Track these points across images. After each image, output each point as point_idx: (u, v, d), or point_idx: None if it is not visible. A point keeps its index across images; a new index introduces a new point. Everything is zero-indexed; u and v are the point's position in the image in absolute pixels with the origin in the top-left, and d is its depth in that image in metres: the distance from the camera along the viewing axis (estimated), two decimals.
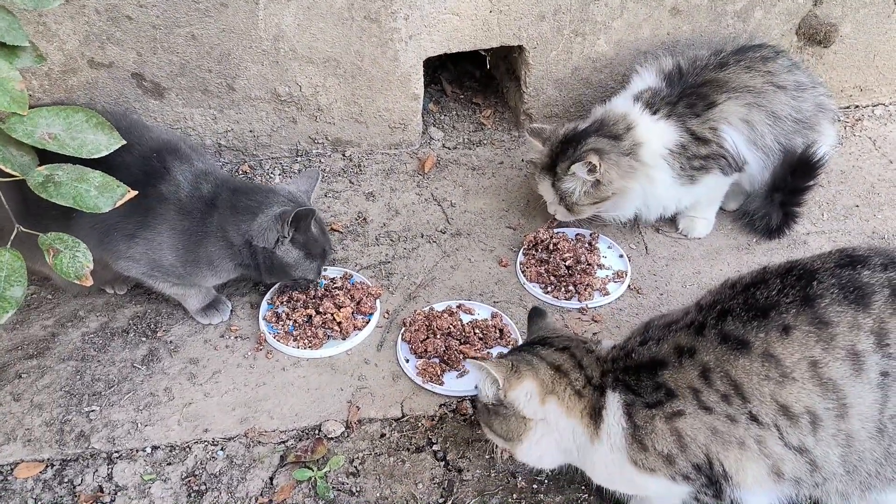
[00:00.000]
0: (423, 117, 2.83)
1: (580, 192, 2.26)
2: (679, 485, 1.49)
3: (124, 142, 1.75)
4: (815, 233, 2.47)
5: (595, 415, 1.54)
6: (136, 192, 1.72)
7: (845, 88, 2.92)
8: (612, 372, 1.56)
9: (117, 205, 1.75)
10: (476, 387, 1.67)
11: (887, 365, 1.36)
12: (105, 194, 1.75)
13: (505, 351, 2.13)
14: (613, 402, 1.52)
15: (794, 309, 1.41)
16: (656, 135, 2.24)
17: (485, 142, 2.87)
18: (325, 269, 2.32)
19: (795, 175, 2.26)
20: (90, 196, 1.73)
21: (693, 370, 1.46)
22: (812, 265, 1.48)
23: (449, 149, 2.84)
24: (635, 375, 1.52)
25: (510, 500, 1.83)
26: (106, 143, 1.78)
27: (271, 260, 2.08)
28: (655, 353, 1.52)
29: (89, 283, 1.61)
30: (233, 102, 2.60)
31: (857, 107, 2.95)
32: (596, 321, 2.24)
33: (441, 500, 1.84)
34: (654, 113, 2.25)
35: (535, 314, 1.79)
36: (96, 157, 1.77)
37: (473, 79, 3.12)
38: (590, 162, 2.18)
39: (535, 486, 1.85)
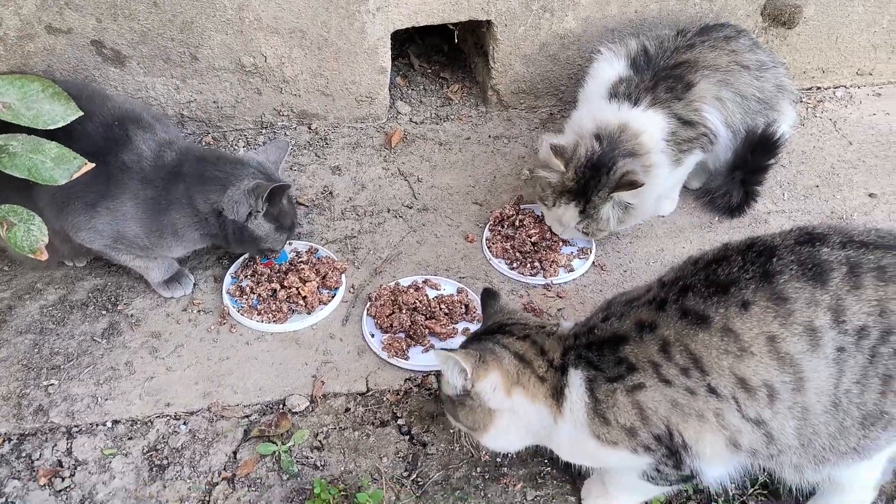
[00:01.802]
0: (390, 91, 2.80)
1: (614, 217, 2.20)
2: (640, 456, 1.52)
3: (81, 112, 1.71)
4: (775, 212, 2.51)
5: (558, 394, 1.56)
6: (94, 165, 1.68)
7: (808, 70, 2.95)
8: (574, 349, 1.57)
9: (74, 177, 1.71)
10: (439, 378, 1.67)
11: (843, 341, 1.39)
12: (61, 166, 1.71)
13: (471, 327, 2.14)
14: (575, 380, 1.54)
15: (754, 285, 1.44)
16: (653, 131, 2.20)
17: (452, 117, 2.86)
18: (291, 243, 2.31)
19: (756, 153, 2.29)
20: (46, 168, 1.69)
21: (653, 344, 1.48)
22: (772, 242, 1.51)
23: (416, 123, 2.82)
24: (597, 351, 1.54)
25: (474, 473, 1.85)
26: (62, 113, 1.74)
27: (241, 232, 2.06)
28: (617, 329, 1.54)
29: (44, 257, 1.58)
30: (196, 72, 2.54)
31: (819, 88, 3.00)
32: (560, 297, 2.26)
33: (405, 474, 1.85)
34: (636, 104, 2.20)
35: (489, 296, 1.78)
36: (52, 127, 1.73)
37: (441, 53, 3.09)
38: (635, 183, 2.10)
39: (498, 459, 1.87)
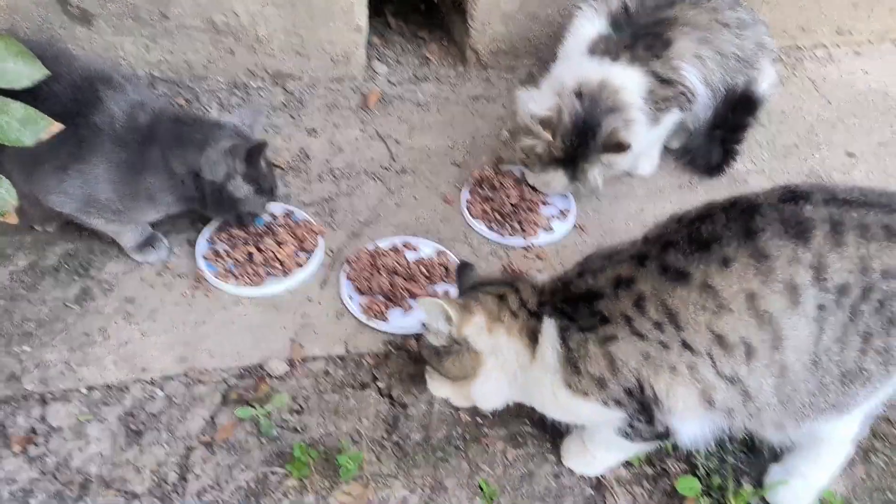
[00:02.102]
0: (366, 51, 2.74)
1: (599, 176, 2.22)
2: (611, 409, 1.53)
3: (48, 73, 1.65)
4: (755, 172, 2.51)
5: (532, 338, 1.58)
6: (62, 126, 1.63)
7: (788, 29, 2.94)
8: (550, 302, 1.59)
9: (41, 138, 1.66)
10: (425, 327, 1.66)
11: (824, 298, 1.39)
12: (28, 127, 1.66)
13: (451, 289, 2.13)
14: (549, 327, 1.55)
15: (736, 242, 1.43)
16: (633, 87, 2.19)
17: (430, 77, 2.81)
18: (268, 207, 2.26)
19: (736, 112, 2.28)
20: (12, 129, 1.64)
21: (628, 299, 1.48)
22: (756, 200, 1.49)
23: (393, 84, 2.77)
24: (572, 305, 1.54)
25: (455, 434, 1.85)
26: (28, 73, 1.68)
27: (220, 194, 2.02)
28: (592, 285, 1.54)
29: (14, 221, 1.54)
30: (166, 31, 2.47)
31: (798, 48, 2.98)
32: (540, 258, 2.24)
33: (386, 436, 1.84)
34: (616, 60, 2.19)
35: (464, 268, 1.79)
36: (17, 87, 1.68)
37: (418, 12, 3.03)
38: (622, 144, 2.11)
39: (478, 419, 1.87)
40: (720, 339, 1.42)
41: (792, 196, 1.47)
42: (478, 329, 1.59)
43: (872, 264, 1.39)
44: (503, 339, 1.59)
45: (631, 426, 1.57)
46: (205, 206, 2.07)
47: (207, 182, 1.99)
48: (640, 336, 1.46)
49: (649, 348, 1.46)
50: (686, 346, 1.44)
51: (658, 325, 1.45)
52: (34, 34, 2.36)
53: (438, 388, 1.72)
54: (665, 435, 1.57)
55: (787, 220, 1.42)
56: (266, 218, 2.25)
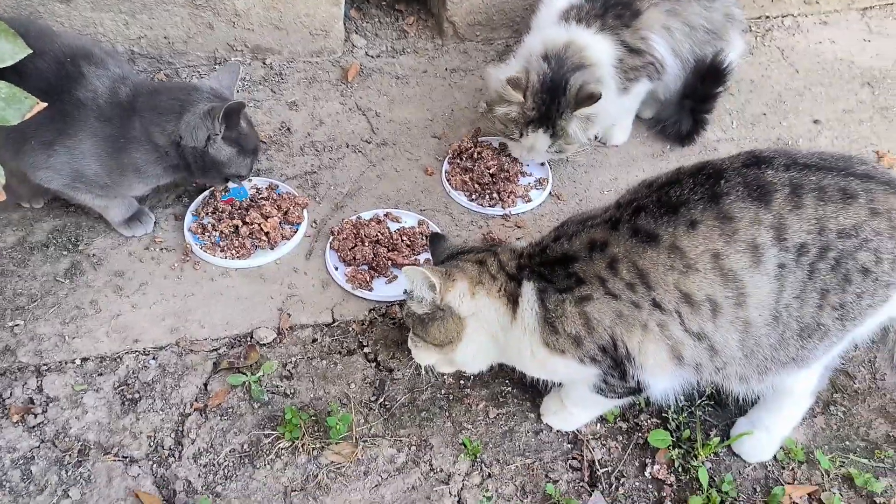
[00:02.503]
0: (345, 24, 2.78)
1: (580, 130, 2.26)
2: (587, 366, 1.62)
3: (30, 51, 1.68)
4: (724, 140, 2.59)
5: (512, 301, 1.65)
6: (46, 105, 1.67)
7: None
8: (528, 266, 1.66)
9: (26, 117, 1.69)
10: (408, 295, 1.73)
11: (784, 257, 1.48)
12: (13, 106, 1.69)
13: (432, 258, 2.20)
14: (528, 290, 1.63)
15: (702, 205, 1.51)
16: (602, 51, 2.25)
17: (408, 50, 2.85)
18: (251, 180, 2.31)
19: (705, 82, 2.35)
20: None
21: (602, 261, 1.55)
22: (721, 165, 1.57)
23: (372, 57, 2.81)
24: (549, 268, 1.62)
25: (439, 395, 1.93)
26: (10, 51, 1.70)
27: (203, 159, 2.06)
28: (567, 249, 1.62)
29: (2, 198, 1.57)
30: (145, 6, 2.49)
31: (767, 17, 3.05)
32: (519, 227, 2.32)
33: (373, 399, 1.92)
34: (588, 27, 2.25)
35: (436, 238, 1.87)
36: (1, 66, 1.70)
37: None
38: (593, 95, 2.16)
39: (462, 381, 1.96)
40: (687, 298, 1.51)
41: (755, 161, 1.56)
42: (460, 294, 1.66)
43: (829, 225, 1.47)
44: (484, 302, 1.67)
45: (605, 382, 1.66)
46: (191, 173, 2.12)
47: (189, 148, 2.03)
48: (614, 296, 1.55)
49: (622, 307, 1.54)
50: (656, 304, 1.53)
51: (630, 286, 1.53)
52: (14, 11, 2.36)
53: (423, 356, 1.79)
54: (637, 391, 1.67)
55: (750, 183, 1.51)
56: (251, 191, 2.30)
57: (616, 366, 1.61)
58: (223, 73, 2.17)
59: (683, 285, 1.50)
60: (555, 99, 2.21)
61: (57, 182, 2.03)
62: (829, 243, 1.47)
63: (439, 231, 1.89)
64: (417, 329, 1.73)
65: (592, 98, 2.17)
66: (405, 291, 2.09)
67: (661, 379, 1.63)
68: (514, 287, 1.66)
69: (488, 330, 1.69)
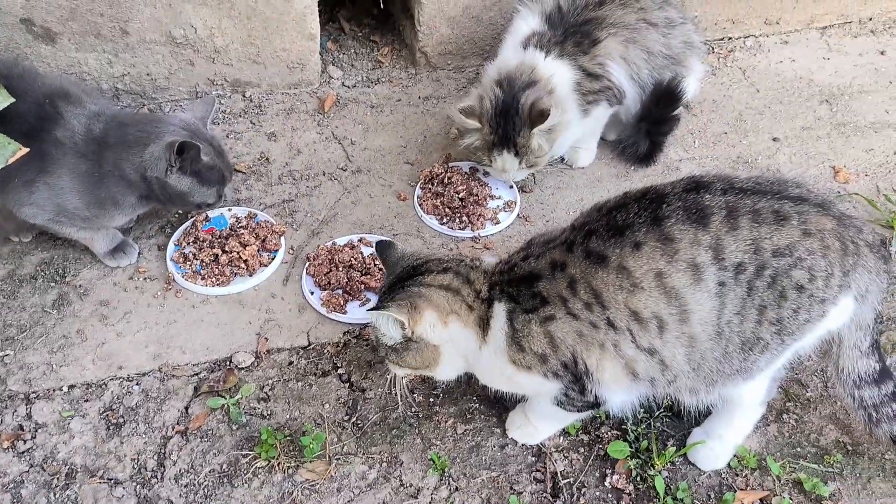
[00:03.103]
0: (321, 56, 2.89)
1: (544, 142, 2.35)
2: (550, 381, 1.71)
3: (13, 100, 1.80)
4: (686, 159, 2.70)
5: (484, 324, 1.71)
6: (28, 150, 1.77)
7: (719, 21, 3.11)
8: (498, 284, 1.73)
9: (10, 162, 1.80)
10: (378, 333, 1.76)
11: (723, 276, 1.57)
12: None
13: None
14: (499, 311, 1.70)
15: (645, 228, 1.60)
16: (559, 74, 2.35)
17: (383, 79, 2.96)
18: (231, 209, 2.41)
19: (660, 105, 2.45)
20: None
21: (563, 281, 1.65)
22: (664, 190, 1.67)
23: (348, 87, 2.92)
24: (517, 287, 1.70)
25: (409, 413, 2.02)
26: None
27: (165, 189, 2.14)
28: (534, 268, 1.70)
29: None
30: (127, 46, 2.60)
31: (729, 38, 3.16)
32: (488, 248, 2.42)
33: (346, 418, 2.01)
34: (548, 54, 2.36)
35: (385, 247, 1.88)
36: None
37: (371, 16, 3.18)
38: (544, 112, 2.24)
39: (431, 399, 2.05)
40: (636, 315, 1.61)
41: (695, 186, 1.66)
42: (430, 325, 1.71)
43: (764, 245, 1.57)
44: (457, 329, 1.72)
45: (566, 395, 1.74)
46: (161, 202, 2.21)
47: (154, 178, 2.11)
48: (574, 316, 1.64)
49: (582, 327, 1.64)
50: (610, 324, 1.62)
51: (588, 306, 1.63)
52: (1, 52, 2.48)
53: (398, 369, 1.84)
54: (595, 405, 1.76)
55: (689, 207, 1.61)
56: (231, 220, 2.41)
57: (576, 381, 1.70)
58: (198, 106, 2.27)
59: (631, 303, 1.60)
60: (509, 120, 2.31)
61: (41, 217, 2.14)
62: (765, 262, 1.57)
63: (385, 238, 1.91)
64: (393, 356, 1.78)
65: (543, 116, 2.26)
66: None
67: (618, 393, 1.72)
68: (485, 310, 1.72)
69: (461, 352, 1.77)
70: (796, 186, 1.68)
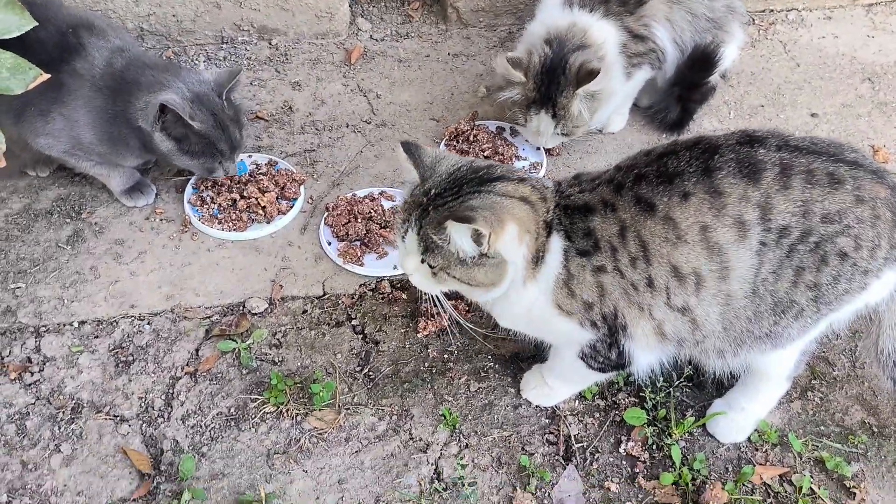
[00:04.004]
0: (350, 7, 2.83)
1: (585, 110, 2.26)
2: (585, 330, 1.63)
3: (35, 23, 1.74)
4: (720, 130, 2.61)
5: (538, 258, 1.58)
6: (49, 76, 1.72)
7: None
8: (555, 209, 1.60)
9: (30, 87, 1.75)
10: (446, 243, 1.52)
11: (766, 237, 1.49)
12: (17, 76, 1.74)
13: None
14: (555, 246, 1.58)
15: (695, 178, 1.52)
16: (608, 35, 2.27)
17: (412, 34, 2.89)
18: (251, 155, 2.35)
19: (694, 69, 2.36)
20: (1, 78, 1.73)
21: (614, 225, 1.56)
22: (716, 141, 1.58)
23: (376, 40, 2.86)
24: (571, 219, 1.59)
25: (422, 368, 1.98)
26: (17, 23, 1.76)
27: (153, 143, 2.06)
28: (588, 200, 1.60)
29: (2, 164, 1.64)
30: None
31: (771, 10, 3.05)
32: None
33: (358, 369, 1.97)
34: (592, 12, 2.27)
35: (414, 147, 1.64)
36: (6, 38, 1.77)
37: None
38: (593, 71, 2.16)
39: (445, 355, 2.00)
40: (676, 271, 1.53)
41: (748, 139, 1.56)
42: (510, 240, 1.53)
43: (813, 208, 1.49)
44: (524, 253, 1.56)
45: (593, 348, 1.67)
46: (157, 156, 2.15)
47: (145, 129, 2.04)
48: (621, 274, 1.56)
49: (626, 285, 1.57)
50: (650, 284, 1.55)
51: (633, 261, 1.54)
52: None
53: (438, 287, 1.64)
54: (619, 365, 1.69)
55: (742, 160, 1.52)
56: (251, 166, 2.36)
57: (610, 334, 1.63)
58: (223, 73, 2.16)
59: (673, 257, 1.52)
60: (554, 79, 2.22)
61: (56, 149, 2.10)
62: (812, 227, 1.49)
63: (409, 140, 1.68)
64: (455, 271, 1.56)
65: (592, 74, 2.17)
66: (395, 267, 2.16)
67: (647, 353, 1.66)
68: (544, 239, 1.57)
69: (510, 278, 1.59)
70: (852, 151, 1.59)
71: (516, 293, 1.62)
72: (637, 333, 1.61)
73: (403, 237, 1.61)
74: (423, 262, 1.60)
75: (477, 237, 1.48)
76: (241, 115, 2.16)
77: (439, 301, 1.70)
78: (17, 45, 1.79)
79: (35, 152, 2.15)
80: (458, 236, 1.49)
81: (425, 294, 1.72)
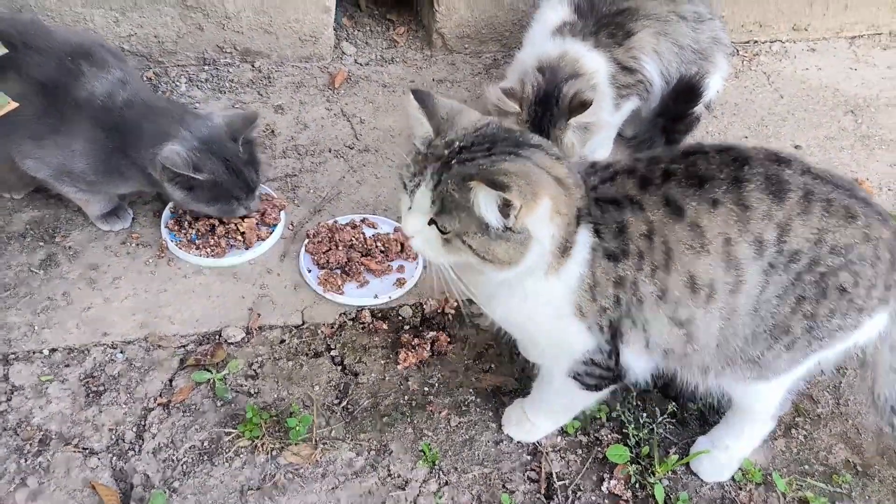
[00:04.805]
0: (335, 31, 2.81)
1: (577, 141, 2.23)
2: (591, 334, 1.55)
3: (5, 50, 1.72)
4: None
5: (565, 248, 1.45)
6: (17, 105, 1.69)
7: (745, 24, 3.03)
8: (586, 198, 1.48)
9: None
10: (470, 205, 1.34)
11: (776, 259, 1.46)
12: None
13: (406, 265, 2.20)
14: (583, 241, 1.46)
15: (726, 185, 1.46)
16: (599, 65, 2.27)
17: (397, 59, 2.87)
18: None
19: (678, 100, 2.36)
20: None
21: (642, 224, 1.47)
22: (746, 151, 1.53)
23: (361, 65, 2.84)
24: (601, 210, 1.49)
25: (402, 401, 1.94)
26: None
27: (165, 190, 2.06)
28: (615, 194, 1.50)
29: None
30: (136, 5, 2.52)
31: (755, 42, 3.08)
32: None
33: (336, 402, 1.93)
34: (584, 41, 2.27)
35: (426, 96, 1.46)
36: None
37: None
38: (585, 102, 2.13)
39: (425, 388, 1.96)
40: (692, 280, 1.47)
41: (776, 157, 1.53)
42: (541, 217, 1.37)
43: (826, 237, 1.46)
44: (552, 239, 1.41)
45: (591, 362, 1.60)
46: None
47: (154, 176, 2.03)
48: (636, 286, 1.49)
49: (640, 297, 1.50)
50: (662, 295, 1.48)
51: (654, 271, 1.48)
52: (6, 6, 2.39)
53: (446, 257, 1.44)
54: (618, 375, 1.63)
55: (771, 177, 1.47)
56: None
57: (612, 339, 1.57)
58: (237, 117, 2.10)
59: (694, 267, 1.47)
60: (547, 110, 2.20)
61: (43, 172, 2.06)
62: (820, 257, 1.47)
63: (421, 89, 1.50)
64: (472, 239, 1.37)
65: (584, 105, 2.15)
66: (375, 296, 2.12)
67: (638, 358, 1.60)
68: (573, 230, 1.44)
69: (530, 262, 1.43)
70: (861, 189, 1.58)
71: (533, 284, 1.48)
72: (631, 339, 1.56)
73: (412, 192, 1.41)
74: (431, 224, 1.41)
75: (505, 208, 1.32)
76: (256, 154, 2.14)
77: (445, 273, 1.47)
78: (14, 71, 1.79)
79: (20, 173, 2.10)
80: (485, 202, 1.32)
81: (432, 268, 1.49)
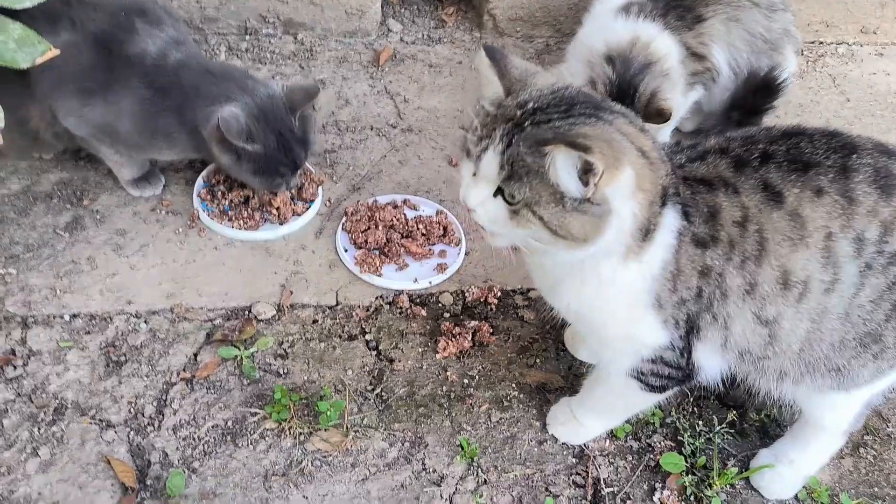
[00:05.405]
0: (382, 7, 2.70)
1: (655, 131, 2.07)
2: (666, 329, 1.41)
3: None
4: None
5: (648, 230, 1.31)
6: (59, 51, 1.62)
7: (812, 23, 2.88)
8: (672, 175, 1.34)
9: (38, 62, 1.63)
10: (545, 170, 1.20)
11: (874, 259, 1.32)
12: (24, 49, 1.64)
13: (448, 249, 2.08)
14: (669, 224, 1.32)
15: (833, 173, 1.31)
16: (671, 48, 2.11)
17: (445, 39, 2.76)
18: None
19: (756, 94, 2.22)
20: (7, 49, 1.62)
21: (736, 210, 1.33)
22: (853, 139, 1.38)
23: (407, 43, 2.72)
24: (691, 191, 1.34)
25: (440, 392, 1.81)
26: None
27: (212, 152, 1.95)
28: (706, 174, 1.36)
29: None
30: None
31: (821, 43, 2.93)
32: None
33: (370, 388, 1.80)
34: (654, 22, 2.11)
35: (498, 52, 1.33)
36: (18, 8, 1.66)
37: None
38: (663, 112, 1.98)
39: (465, 380, 1.83)
40: (785, 276, 1.33)
41: (886, 150, 1.38)
42: (622, 189, 1.23)
43: None
44: (633, 209, 1.26)
45: (659, 360, 1.45)
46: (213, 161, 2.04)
47: (203, 136, 1.92)
48: (722, 278, 1.36)
49: (727, 289, 1.36)
50: (750, 290, 1.35)
51: (744, 262, 1.34)
52: None
53: (512, 234, 1.30)
54: (687, 376, 1.48)
55: (880, 169, 1.32)
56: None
57: (687, 334, 1.42)
58: (299, 90, 1.98)
59: (790, 261, 1.32)
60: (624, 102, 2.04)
61: (84, 130, 1.95)
62: None
63: (492, 45, 1.36)
64: (544, 210, 1.22)
65: (662, 115, 1.97)
66: (415, 280, 2.00)
67: (712, 358, 1.46)
68: (657, 212, 1.30)
69: (606, 241, 1.28)
70: None
71: (610, 269, 1.33)
72: (708, 336, 1.41)
73: (478, 157, 1.26)
74: (497, 195, 1.26)
75: (585, 173, 1.17)
76: (309, 132, 2.01)
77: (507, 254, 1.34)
78: (67, 21, 1.78)
79: (49, 132, 1.99)
80: (563, 165, 1.17)
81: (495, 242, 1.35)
